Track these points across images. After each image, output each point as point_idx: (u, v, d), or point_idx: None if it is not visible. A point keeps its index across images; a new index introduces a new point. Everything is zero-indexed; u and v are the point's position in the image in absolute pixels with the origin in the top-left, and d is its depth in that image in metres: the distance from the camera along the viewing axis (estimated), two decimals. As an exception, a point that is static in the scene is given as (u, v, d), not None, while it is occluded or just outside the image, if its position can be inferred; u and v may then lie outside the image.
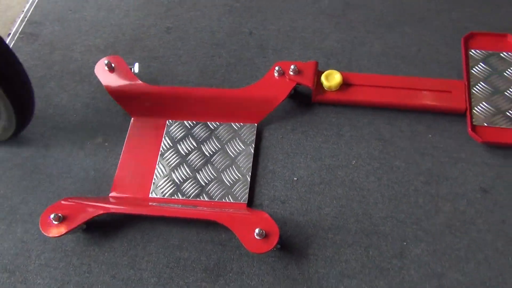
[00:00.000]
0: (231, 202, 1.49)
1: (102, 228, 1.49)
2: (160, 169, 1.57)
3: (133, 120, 1.69)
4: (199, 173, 1.55)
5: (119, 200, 1.50)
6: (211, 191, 1.52)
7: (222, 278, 1.38)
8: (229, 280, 1.37)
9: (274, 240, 1.32)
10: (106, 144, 1.67)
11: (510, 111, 1.55)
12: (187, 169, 1.56)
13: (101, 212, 1.41)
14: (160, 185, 1.53)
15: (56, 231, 1.38)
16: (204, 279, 1.38)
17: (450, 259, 1.36)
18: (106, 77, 1.69)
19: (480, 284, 1.31)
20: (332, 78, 1.63)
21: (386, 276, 1.34)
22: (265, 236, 1.33)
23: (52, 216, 1.38)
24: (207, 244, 1.44)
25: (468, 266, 1.34)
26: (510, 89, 1.59)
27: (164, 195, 1.52)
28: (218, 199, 1.50)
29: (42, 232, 1.37)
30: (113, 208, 1.45)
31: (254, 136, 1.61)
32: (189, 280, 1.38)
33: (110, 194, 1.53)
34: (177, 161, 1.58)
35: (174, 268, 1.40)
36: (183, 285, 1.38)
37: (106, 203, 1.47)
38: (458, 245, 1.38)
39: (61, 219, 1.39)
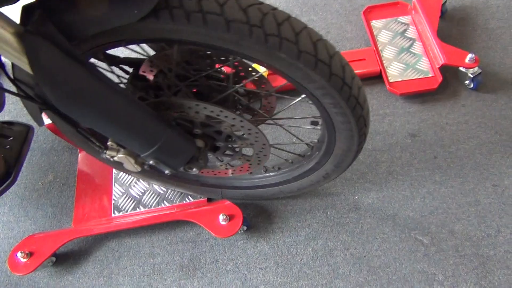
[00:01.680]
0: (191, 202, 1.54)
1: (71, 257, 1.49)
2: (117, 188, 1.60)
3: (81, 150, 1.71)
4: (155, 184, 1.60)
5: (83, 226, 1.51)
6: (171, 197, 1.56)
7: (199, 271, 1.42)
8: (206, 271, 1.41)
9: (239, 221, 1.39)
10: (58, 180, 1.68)
11: (417, 64, 1.72)
12: (143, 182, 1.60)
13: (68, 239, 1.42)
14: (120, 204, 1.56)
15: (26, 268, 1.37)
16: (181, 277, 1.41)
17: (398, 200, 1.47)
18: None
19: (429, 214, 1.43)
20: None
21: (347, 229, 1.44)
22: (229, 220, 1.39)
23: (19, 254, 1.38)
24: (177, 245, 1.48)
25: (415, 202, 1.46)
26: (413, 46, 1.77)
27: (126, 211, 1.54)
28: (179, 202, 1.55)
29: (12, 272, 1.36)
30: (78, 232, 1.46)
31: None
32: (167, 282, 1.41)
33: (73, 224, 1.54)
34: (131, 177, 1.62)
35: (151, 275, 1.43)
36: (163, 288, 1.40)
37: (71, 231, 1.48)
38: (402, 186, 1.51)
39: (29, 255, 1.39)
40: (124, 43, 0.85)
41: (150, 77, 1.07)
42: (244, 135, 1.07)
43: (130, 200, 1.56)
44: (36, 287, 1.45)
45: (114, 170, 1.65)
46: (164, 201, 1.55)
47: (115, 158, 1.03)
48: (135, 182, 1.61)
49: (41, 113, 1.02)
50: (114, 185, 1.61)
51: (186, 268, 1.43)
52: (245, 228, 1.45)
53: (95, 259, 1.48)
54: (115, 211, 1.55)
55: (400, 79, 1.69)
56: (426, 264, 1.34)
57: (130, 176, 1.62)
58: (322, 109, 0.97)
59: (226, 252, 1.45)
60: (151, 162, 1.01)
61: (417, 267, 1.34)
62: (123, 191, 1.59)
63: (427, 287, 1.30)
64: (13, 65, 0.85)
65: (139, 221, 1.46)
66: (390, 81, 1.70)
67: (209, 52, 1.05)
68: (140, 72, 1.06)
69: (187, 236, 1.49)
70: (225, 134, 1.08)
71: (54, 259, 1.47)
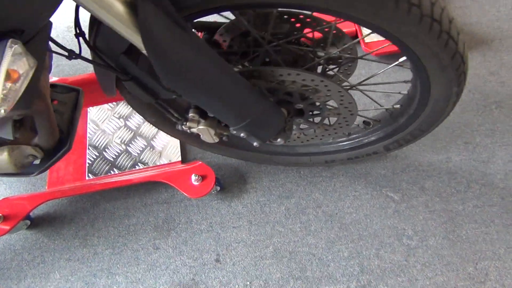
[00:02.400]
0: (166, 163, 1.53)
1: (46, 220, 1.49)
2: (92, 152, 1.58)
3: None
4: (129, 146, 1.58)
5: (57, 189, 1.50)
6: (145, 159, 1.55)
7: (173, 231, 1.42)
8: (180, 230, 1.42)
9: (211, 181, 1.38)
10: (33, 144, 1.66)
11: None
12: (117, 145, 1.59)
13: (41, 201, 1.41)
14: (94, 167, 1.55)
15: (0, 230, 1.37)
16: (156, 237, 1.42)
17: (370, 159, 1.47)
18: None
19: (401, 171, 1.43)
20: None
21: (320, 187, 1.44)
22: (202, 180, 1.38)
23: (-9, 216, 1.37)
24: (152, 206, 1.48)
25: (387, 160, 1.46)
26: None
27: (100, 174, 1.53)
28: (153, 164, 1.54)
29: (-15, 234, 1.36)
30: (52, 194, 1.45)
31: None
32: (142, 242, 1.41)
33: (48, 188, 1.53)
34: (106, 140, 1.60)
35: (126, 236, 1.43)
36: (137, 248, 1.40)
37: (44, 194, 1.47)
38: (375, 145, 1.50)
39: (2, 218, 1.38)
40: (219, 10, 0.80)
41: (225, 43, 1.02)
42: (332, 104, 1.03)
43: (105, 163, 1.55)
44: (12, 250, 1.44)
45: (88, 135, 1.63)
46: (139, 163, 1.54)
47: (194, 130, 1.02)
48: (109, 145, 1.59)
49: (117, 83, 0.98)
50: (88, 148, 1.59)
51: (161, 228, 1.43)
52: (218, 188, 1.45)
53: (70, 221, 1.48)
54: (89, 174, 1.54)
55: (376, 40, 1.67)
56: (396, 220, 1.35)
57: (105, 139, 1.60)
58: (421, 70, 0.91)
59: (200, 212, 1.45)
60: (242, 134, 0.99)
61: (388, 223, 1.35)
62: (97, 155, 1.57)
63: (396, 242, 1.31)
64: (94, 32, 0.80)
65: (112, 182, 1.46)
66: (366, 41, 1.67)
67: (286, 16, 1.00)
68: (216, 37, 1.02)
69: (161, 198, 1.49)
70: (311, 101, 1.03)
71: (28, 222, 1.46)
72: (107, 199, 1.51)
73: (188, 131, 1.04)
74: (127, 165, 1.54)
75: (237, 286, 1.30)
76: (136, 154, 1.56)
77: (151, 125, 1.48)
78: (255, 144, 1.03)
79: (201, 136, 1.05)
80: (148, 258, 1.38)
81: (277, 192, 1.45)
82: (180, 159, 1.53)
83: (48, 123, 1.02)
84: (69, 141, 1.12)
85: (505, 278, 1.22)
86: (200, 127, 1.01)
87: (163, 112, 1.03)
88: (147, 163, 1.54)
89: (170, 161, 1.52)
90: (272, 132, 1.01)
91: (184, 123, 1.03)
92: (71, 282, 1.37)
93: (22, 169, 1.12)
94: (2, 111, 0.62)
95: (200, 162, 1.43)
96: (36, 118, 0.97)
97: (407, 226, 1.34)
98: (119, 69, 0.85)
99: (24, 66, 0.60)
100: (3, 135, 0.88)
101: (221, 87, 0.83)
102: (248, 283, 1.30)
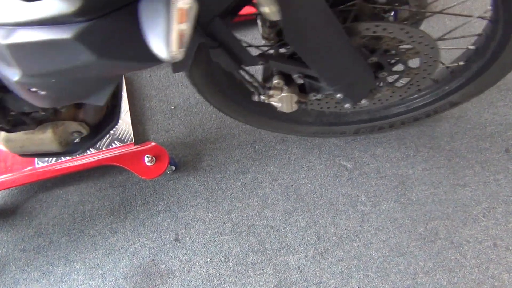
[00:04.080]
0: (118, 146, 1.47)
1: (-3, 211, 1.41)
2: (40, 139, 1.50)
3: None
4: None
5: (6, 178, 1.42)
6: (97, 143, 1.48)
7: (130, 214, 1.37)
8: (137, 212, 1.38)
9: (165, 161, 1.34)
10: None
11: None
12: (66, 130, 1.51)
13: (-12, 193, 1.34)
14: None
15: None
16: (113, 221, 1.37)
17: (323, 129, 1.46)
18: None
19: (352, 140, 1.43)
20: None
21: (275, 161, 1.42)
22: (156, 161, 1.34)
23: None
24: (107, 190, 1.42)
25: (339, 129, 1.46)
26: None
27: (51, 162, 1.46)
28: (105, 148, 1.48)
29: None
30: (2, 185, 1.37)
31: (123, 81, 1.59)
32: (99, 227, 1.36)
33: (-4, 178, 1.44)
34: (55, 126, 1.52)
35: (82, 222, 1.38)
36: (94, 233, 1.36)
37: (-8, 185, 1.39)
38: (327, 116, 1.49)
39: None
40: None
41: None
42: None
43: (55, 150, 1.48)
44: (-38, 245, 1.37)
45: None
46: (90, 148, 1.47)
47: (275, 99, 1.00)
48: (59, 131, 1.51)
49: (204, 51, 0.93)
50: (37, 136, 1.51)
51: (117, 212, 1.38)
52: (173, 168, 1.41)
53: (23, 212, 1.41)
54: (39, 162, 1.46)
55: None
56: (350, 187, 1.35)
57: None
58: None
59: (156, 193, 1.41)
60: (338, 95, 0.99)
61: (342, 191, 1.35)
62: (47, 141, 1.49)
63: (351, 208, 1.32)
64: None
65: (64, 169, 1.39)
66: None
67: None
68: None
69: (116, 181, 1.43)
70: (394, 54, 0.97)
71: (-22, 215, 1.38)
72: (59, 186, 1.44)
73: (267, 100, 1.02)
74: (79, 150, 1.47)
75: (197, 263, 1.28)
76: (87, 139, 1.49)
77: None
78: (346, 106, 1.03)
79: (278, 106, 1.03)
80: (106, 242, 1.34)
81: (233, 168, 1.42)
82: (133, 141, 1.48)
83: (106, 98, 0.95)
84: (116, 114, 1.04)
85: (453, 236, 1.25)
86: (284, 94, 1.00)
87: (243, 81, 1.00)
88: (98, 146, 1.47)
89: (122, 143, 1.47)
90: (364, 92, 1.01)
91: (266, 91, 1.01)
92: (27, 273, 1.31)
93: (67, 147, 1.04)
94: (180, 54, 0.56)
95: (153, 143, 1.38)
96: None
97: (360, 192, 1.34)
98: (209, 36, 0.80)
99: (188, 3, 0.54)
100: (96, 101, 0.79)
101: (338, 47, 0.84)
102: (208, 259, 1.28)
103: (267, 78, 1.03)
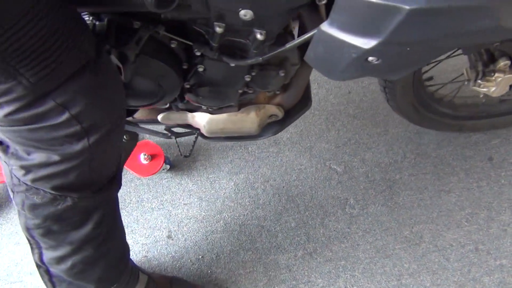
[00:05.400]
0: (114, 144, 1.47)
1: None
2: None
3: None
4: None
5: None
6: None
7: (124, 210, 1.37)
8: (131, 209, 1.38)
9: (160, 160, 1.35)
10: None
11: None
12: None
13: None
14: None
15: None
16: (107, 217, 1.37)
17: (315, 134, 1.48)
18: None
19: (343, 145, 1.45)
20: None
21: (267, 163, 1.44)
22: (151, 159, 1.34)
23: None
24: (102, 187, 1.42)
25: (330, 134, 1.48)
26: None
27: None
28: (101, 145, 1.47)
29: None
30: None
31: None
32: (93, 223, 1.36)
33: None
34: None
35: (76, 217, 1.37)
36: (89, 228, 1.35)
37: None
38: (319, 121, 1.51)
39: None
40: None
41: None
42: None
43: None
44: (-44, 237, 1.36)
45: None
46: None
47: (493, 82, 0.98)
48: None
49: None
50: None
51: (111, 208, 1.38)
52: (168, 167, 1.42)
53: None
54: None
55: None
56: (339, 190, 1.37)
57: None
58: None
59: (151, 190, 1.41)
60: None
61: (331, 194, 1.37)
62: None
63: (340, 211, 1.34)
64: None
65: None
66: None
67: None
68: None
69: (111, 178, 1.43)
70: None
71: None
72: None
73: (481, 86, 1.00)
74: (75, 147, 1.47)
75: (189, 260, 1.29)
76: (84, 136, 1.49)
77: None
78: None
79: (489, 91, 1.01)
80: (99, 238, 1.34)
81: (226, 168, 1.44)
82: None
83: (304, 82, 0.94)
84: (310, 99, 1.03)
85: (437, 239, 1.27)
86: (507, 75, 0.97)
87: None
88: (95, 144, 1.47)
89: (118, 141, 1.47)
90: None
91: (486, 75, 0.99)
92: (21, 266, 1.31)
93: (261, 131, 1.05)
94: None
95: (148, 141, 1.38)
96: (296, 76, 0.91)
97: (349, 195, 1.36)
98: None
99: None
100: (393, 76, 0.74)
101: None
102: (200, 257, 1.29)
103: (488, 61, 1.01)
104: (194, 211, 1.37)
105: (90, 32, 0.64)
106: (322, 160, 1.43)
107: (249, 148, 1.46)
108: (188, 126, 1.09)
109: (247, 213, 1.35)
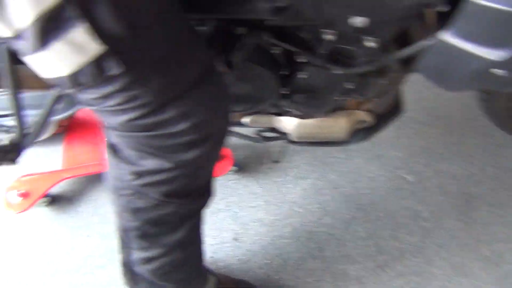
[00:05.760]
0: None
1: (65, 197, 1.44)
2: (107, 130, 1.52)
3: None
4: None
5: (73, 167, 1.45)
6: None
7: (191, 210, 1.37)
8: (198, 209, 1.38)
9: (230, 161, 1.34)
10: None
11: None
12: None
13: (62, 178, 1.37)
14: (111, 145, 1.49)
15: (19, 206, 1.32)
16: (174, 216, 1.38)
17: (385, 141, 1.43)
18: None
19: (415, 154, 1.40)
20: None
21: (335, 169, 1.40)
22: (220, 160, 1.34)
23: (12, 193, 1.32)
24: (169, 185, 1.43)
25: (401, 142, 1.43)
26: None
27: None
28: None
29: (7, 209, 1.31)
30: (71, 172, 1.39)
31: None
32: (161, 220, 1.37)
33: (62, 165, 1.47)
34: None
35: (144, 214, 1.39)
36: (156, 226, 1.36)
37: (61, 172, 1.41)
38: (389, 127, 1.45)
39: (22, 195, 1.33)
40: None
41: None
42: None
43: (121, 142, 1.49)
44: (33, 225, 1.40)
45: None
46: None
47: None
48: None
49: None
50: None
51: (179, 207, 1.38)
52: (236, 168, 1.41)
53: (89, 199, 1.43)
54: (106, 152, 1.48)
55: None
56: (411, 201, 1.32)
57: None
58: None
59: (217, 192, 1.40)
60: None
61: (403, 204, 1.32)
62: (114, 133, 1.51)
63: (412, 222, 1.28)
64: None
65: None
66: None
67: None
68: None
69: (178, 177, 1.44)
70: None
71: (49, 199, 1.41)
72: (124, 178, 1.45)
73: None
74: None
75: (256, 264, 1.27)
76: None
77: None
78: None
79: None
80: (167, 236, 1.34)
81: (292, 173, 1.41)
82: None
83: (396, 88, 0.94)
84: (401, 106, 1.02)
85: (518, 260, 1.20)
86: None
87: None
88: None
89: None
90: None
91: None
92: (93, 258, 1.33)
93: (349, 137, 1.04)
94: None
95: (218, 142, 1.37)
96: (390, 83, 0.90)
97: (422, 207, 1.30)
98: None
99: None
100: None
101: None
102: (268, 261, 1.27)
103: None
104: (261, 214, 1.35)
105: (204, 41, 0.63)
106: (393, 168, 1.38)
107: (316, 153, 1.43)
108: (273, 129, 1.07)
109: (315, 220, 1.32)
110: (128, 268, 0.89)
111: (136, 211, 0.75)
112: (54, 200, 1.43)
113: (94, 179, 1.46)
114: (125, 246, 0.85)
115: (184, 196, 0.75)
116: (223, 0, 0.64)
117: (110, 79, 0.54)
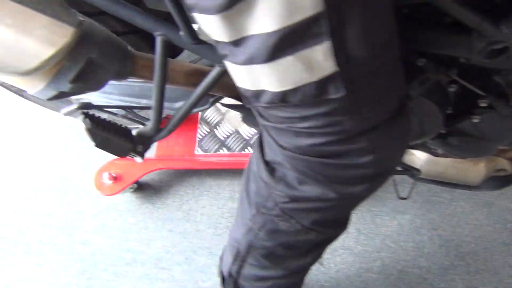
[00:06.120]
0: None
1: (152, 186, 1.43)
2: (203, 127, 1.50)
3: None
4: (241, 127, 1.49)
5: (167, 158, 1.44)
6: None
7: (277, 223, 1.32)
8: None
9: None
10: (145, 108, 1.60)
11: None
12: (228, 125, 1.50)
13: (153, 168, 1.35)
14: (204, 142, 1.47)
15: (109, 189, 1.32)
16: (259, 226, 1.33)
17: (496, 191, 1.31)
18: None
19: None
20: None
21: (438, 209, 1.30)
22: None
23: (104, 175, 1.32)
24: (258, 193, 1.38)
25: None
26: None
27: (209, 151, 1.45)
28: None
29: (96, 190, 1.31)
30: (163, 164, 1.38)
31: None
32: (245, 228, 1.33)
33: (156, 154, 1.46)
34: (219, 118, 1.52)
35: (229, 218, 1.35)
36: (239, 233, 1.32)
37: (155, 161, 1.40)
38: (503, 175, 1.34)
39: (114, 178, 1.33)
40: None
41: None
42: None
43: (214, 141, 1.47)
44: (117, 209, 1.40)
45: (201, 108, 1.54)
46: (248, 147, 1.44)
47: None
48: (221, 123, 1.50)
49: None
50: (200, 123, 1.51)
51: (265, 218, 1.33)
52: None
53: (175, 193, 1.41)
54: (198, 148, 1.46)
55: None
56: (520, 260, 1.19)
57: (218, 117, 1.51)
58: None
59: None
60: None
61: (510, 262, 1.19)
62: (208, 131, 1.49)
63: (518, 284, 1.16)
64: None
65: (223, 163, 1.37)
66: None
67: None
68: None
69: (268, 187, 1.39)
70: None
71: (135, 185, 1.41)
72: (213, 177, 1.43)
73: None
74: (237, 147, 1.45)
75: (340, 295, 1.20)
76: (248, 138, 1.46)
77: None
78: None
79: None
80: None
81: (390, 204, 1.32)
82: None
83: None
84: None
85: None
86: None
87: None
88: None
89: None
90: None
91: None
92: (171, 254, 1.31)
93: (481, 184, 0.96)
94: None
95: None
96: None
97: (533, 269, 1.18)
98: None
99: None
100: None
101: None
102: (354, 295, 1.19)
103: None
104: (350, 243, 1.27)
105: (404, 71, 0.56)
106: (502, 220, 1.26)
107: (419, 188, 1.33)
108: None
109: (409, 259, 1.23)
110: (233, 280, 0.85)
111: (274, 232, 0.70)
112: (140, 187, 1.42)
113: (181, 173, 1.45)
114: (240, 258, 0.80)
115: (329, 225, 0.70)
116: (439, 33, 0.57)
117: (322, 102, 0.49)
